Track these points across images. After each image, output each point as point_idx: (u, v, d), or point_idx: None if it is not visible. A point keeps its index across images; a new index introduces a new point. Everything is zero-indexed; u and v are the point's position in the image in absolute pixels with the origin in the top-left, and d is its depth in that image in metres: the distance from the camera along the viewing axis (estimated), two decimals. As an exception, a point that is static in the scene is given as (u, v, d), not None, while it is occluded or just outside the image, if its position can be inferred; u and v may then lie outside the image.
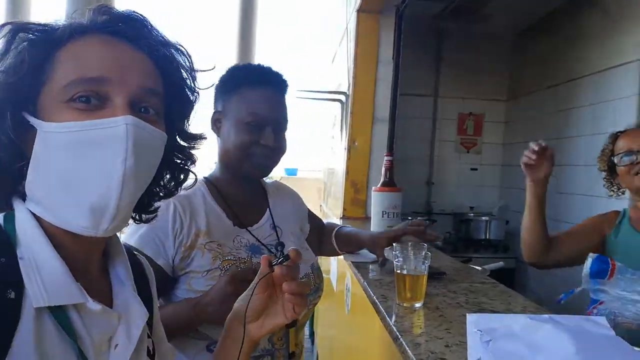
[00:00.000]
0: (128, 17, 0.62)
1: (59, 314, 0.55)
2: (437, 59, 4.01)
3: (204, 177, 1.20)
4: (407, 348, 0.88)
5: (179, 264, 1.05)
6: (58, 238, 0.58)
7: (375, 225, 1.96)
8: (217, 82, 1.20)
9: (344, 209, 2.92)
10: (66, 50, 0.59)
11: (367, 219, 2.66)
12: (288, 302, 0.77)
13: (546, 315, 0.82)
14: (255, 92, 1.15)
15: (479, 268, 2.07)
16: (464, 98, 4.04)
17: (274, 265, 0.77)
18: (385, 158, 2.01)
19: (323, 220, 1.55)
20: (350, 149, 2.86)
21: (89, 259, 0.62)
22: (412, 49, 3.20)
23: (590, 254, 1.11)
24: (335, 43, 4.19)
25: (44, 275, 0.55)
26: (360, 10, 2.99)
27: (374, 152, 2.90)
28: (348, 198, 2.85)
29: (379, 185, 2.00)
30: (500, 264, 2.17)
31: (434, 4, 3.37)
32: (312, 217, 1.44)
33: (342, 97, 3.25)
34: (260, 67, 1.20)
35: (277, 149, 1.16)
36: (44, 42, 0.59)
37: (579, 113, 3.09)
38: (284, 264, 0.76)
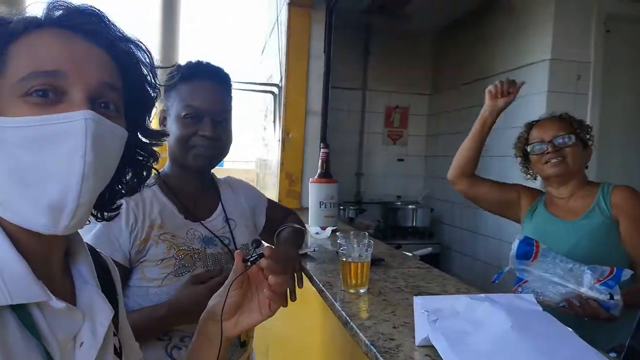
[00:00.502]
0: (85, 11, 0.61)
1: (21, 313, 0.54)
2: (365, 53, 4.13)
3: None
4: (358, 331, 0.94)
5: (135, 257, 1.05)
6: (17, 236, 0.56)
7: (313, 215, 2.01)
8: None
9: (279, 201, 2.95)
10: (20, 43, 0.57)
11: (302, 209, 2.71)
12: (266, 298, 0.77)
13: (483, 295, 0.91)
14: (190, 86, 1.16)
15: (409, 254, 2.19)
16: (391, 92, 4.21)
17: (248, 260, 0.77)
18: (322, 150, 2.06)
19: (291, 212, 1.54)
20: (284, 141, 2.89)
21: (50, 257, 0.61)
22: (341, 43, 3.29)
23: (518, 236, 1.22)
24: (265, 34, 4.17)
25: (5, 273, 0.53)
26: (291, 4, 3.01)
27: (307, 144, 2.95)
28: (283, 189, 2.88)
29: (315, 177, 2.06)
30: (429, 249, 2.32)
31: (361, -1, 3.47)
32: (272, 209, 1.45)
33: (275, 89, 3.26)
34: (196, 62, 1.20)
35: (216, 140, 1.17)
36: None
37: (494, 107, 3.32)
38: (258, 262, 0.76)
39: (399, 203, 3.95)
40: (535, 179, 1.69)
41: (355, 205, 3.82)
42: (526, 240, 1.18)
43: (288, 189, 2.88)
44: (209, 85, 1.18)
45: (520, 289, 1.19)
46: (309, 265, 1.49)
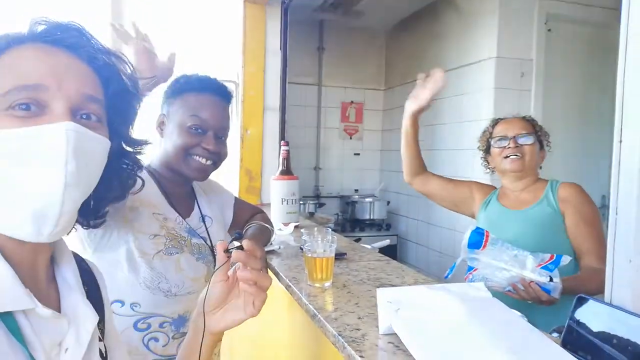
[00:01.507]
0: (66, 26, 0.63)
1: (7, 319, 0.55)
2: (319, 49, 4.18)
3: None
4: (325, 323, 0.99)
5: None
6: (2, 243, 0.58)
7: (276, 211, 2.05)
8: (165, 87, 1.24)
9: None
10: (2, 59, 0.59)
11: (262, 205, 2.73)
12: (247, 294, 0.79)
13: (439, 285, 0.99)
14: (198, 97, 1.20)
15: (369, 247, 2.27)
16: (346, 87, 4.29)
17: (230, 251, 0.77)
18: (282, 148, 2.10)
19: (258, 210, 1.57)
20: (243, 138, 2.90)
21: (35, 263, 0.62)
22: (296, 39, 3.32)
23: (470, 227, 1.31)
24: (219, 29, 4.13)
25: None
26: (246, 0, 3.01)
27: (266, 140, 2.97)
28: (243, 186, 2.89)
29: (277, 174, 2.09)
30: (387, 241, 2.39)
31: (315, -4, 3.51)
32: (239, 206, 1.49)
33: (232, 86, 3.26)
34: (205, 76, 1.24)
35: (217, 154, 1.21)
36: None
37: (445, 103, 3.46)
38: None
39: (357, 197, 4.05)
40: (493, 172, 1.78)
41: (315, 200, 3.89)
42: (477, 230, 1.27)
43: (248, 186, 2.90)
44: (217, 100, 1.23)
45: (471, 276, 1.28)
46: (274, 262, 1.53)
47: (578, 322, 0.86)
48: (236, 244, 0.78)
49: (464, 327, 0.82)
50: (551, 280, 1.19)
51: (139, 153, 0.75)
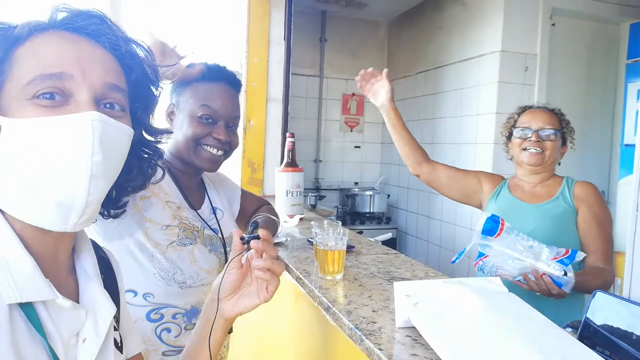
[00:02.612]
0: (87, 13, 0.62)
1: (28, 309, 0.55)
2: (321, 40, 4.16)
3: None
4: (341, 315, 0.99)
5: None
6: (25, 233, 0.58)
7: (281, 203, 2.04)
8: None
9: (241, 189, 2.95)
10: (25, 47, 0.58)
11: (265, 197, 2.72)
12: (260, 280, 0.82)
13: (455, 279, 0.99)
14: (209, 87, 1.18)
15: (372, 240, 2.27)
16: (347, 79, 4.27)
17: (246, 239, 0.80)
18: (288, 140, 2.09)
19: (265, 202, 1.57)
20: (245, 129, 2.89)
21: (57, 254, 0.62)
22: (298, 30, 3.30)
23: (485, 213, 1.30)
24: (223, 19, 4.10)
25: (14, 272, 0.55)
26: (251, -10, 2.98)
27: (269, 131, 2.96)
28: (245, 178, 2.88)
29: (282, 166, 2.08)
30: (389, 234, 2.40)
31: (319, -14, 3.49)
32: (246, 198, 1.48)
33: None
34: (214, 65, 1.22)
35: (228, 144, 1.20)
36: (2, 39, 0.57)
37: (446, 97, 3.46)
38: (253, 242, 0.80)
39: (357, 189, 4.05)
40: (511, 159, 1.73)
41: (315, 192, 3.89)
42: (493, 217, 1.26)
43: (250, 177, 2.89)
44: (228, 89, 1.21)
45: (481, 262, 1.28)
46: (282, 254, 1.52)
47: (596, 318, 0.87)
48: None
49: (483, 320, 0.82)
50: (565, 274, 1.19)
51: (159, 142, 0.75)
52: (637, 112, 2.90)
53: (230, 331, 1.12)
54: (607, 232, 1.50)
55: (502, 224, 1.24)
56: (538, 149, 1.57)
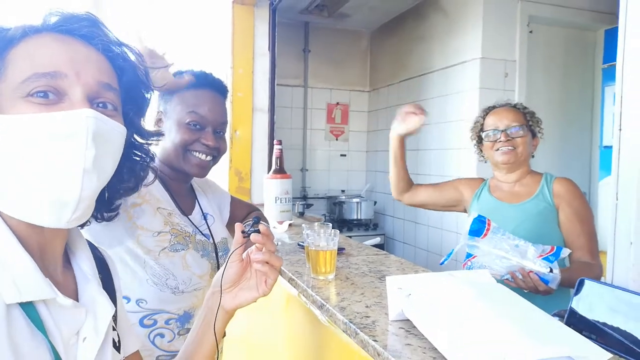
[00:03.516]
0: (80, 17, 0.64)
1: (28, 309, 0.56)
2: (305, 51, 4.21)
3: None
4: (335, 311, 1.01)
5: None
6: (20, 232, 0.58)
7: (270, 210, 2.06)
8: None
9: (228, 198, 2.96)
10: (19, 48, 0.59)
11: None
12: (260, 274, 0.84)
13: (445, 272, 1.01)
14: (195, 93, 1.19)
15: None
16: (331, 89, 4.32)
17: (247, 232, 0.82)
18: (276, 147, 2.11)
19: (254, 208, 1.58)
20: (232, 139, 2.90)
21: (50, 251, 0.63)
22: (281, 41, 3.34)
23: (472, 214, 1.33)
24: (207, 31, 4.12)
25: (14, 271, 0.55)
26: (235, 2, 3.02)
27: (255, 141, 2.98)
28: (232, 187, 2.89)
29: (270, 173, 2.10)
30: (378, 239, 2.43)
31: (301, -2, 3.54)
32: (235, 204, 1.49)
33: (220, 87, 3.25)
34: (201, 72, 1.23)
35: (216, 149, 1.21)
36: None
37: (430, 104, 3.51)
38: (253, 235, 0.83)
39: (344, 197, 4.07)
40: (486, 162, 1.79)
41: (302, 201, 3.90)
42: (479, 218, 1.29)
43: (238, 186, 2.90)
44: (215, 95, 1.22)
45: (469, 263, 1.31)
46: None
47: (581, 304, 0.90)
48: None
49: (474, 308, 0.84)
50: (551, 271, 1.22)
51: (151, 145, 0.76)
52: (613, 115, 2.98)
53: (224, 335, 1.13)
54: (590, 228, 1.53)
55: (489, 224, 1.27)
56: (510, 147, 1.61)
